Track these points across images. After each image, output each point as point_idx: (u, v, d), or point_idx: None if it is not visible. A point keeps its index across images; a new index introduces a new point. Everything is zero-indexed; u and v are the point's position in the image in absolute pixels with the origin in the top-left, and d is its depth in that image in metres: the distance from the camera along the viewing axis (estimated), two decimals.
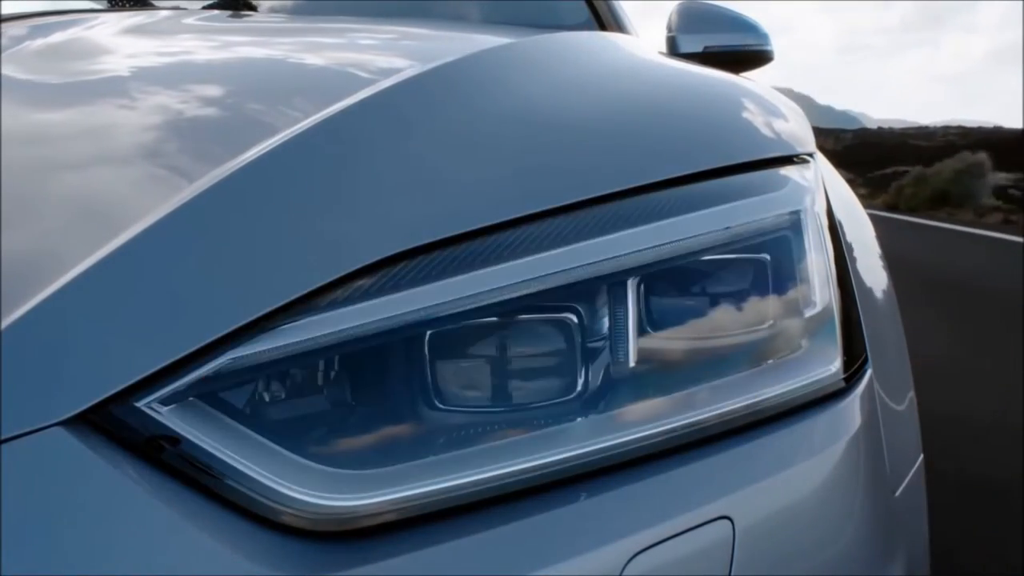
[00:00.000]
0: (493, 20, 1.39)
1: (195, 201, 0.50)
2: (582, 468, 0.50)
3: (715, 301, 0.57)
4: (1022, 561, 1.84)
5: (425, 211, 0.52)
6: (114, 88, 0.79)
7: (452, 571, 0.44)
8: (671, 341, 0.55)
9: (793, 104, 0.79)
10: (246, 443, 0.45)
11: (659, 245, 0.54)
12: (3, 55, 0.86)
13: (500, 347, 0.51)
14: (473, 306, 0.50)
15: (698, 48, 1.52)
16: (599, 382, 0.52)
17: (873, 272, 0.79)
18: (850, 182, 0.98)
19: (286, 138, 0.56)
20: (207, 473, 0.44)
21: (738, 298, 0.58)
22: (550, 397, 0.52)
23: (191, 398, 0.45)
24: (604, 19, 1.43)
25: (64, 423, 0.42)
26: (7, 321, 0.44)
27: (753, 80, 0.86)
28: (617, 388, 0.52)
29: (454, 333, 0.50)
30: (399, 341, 0.49)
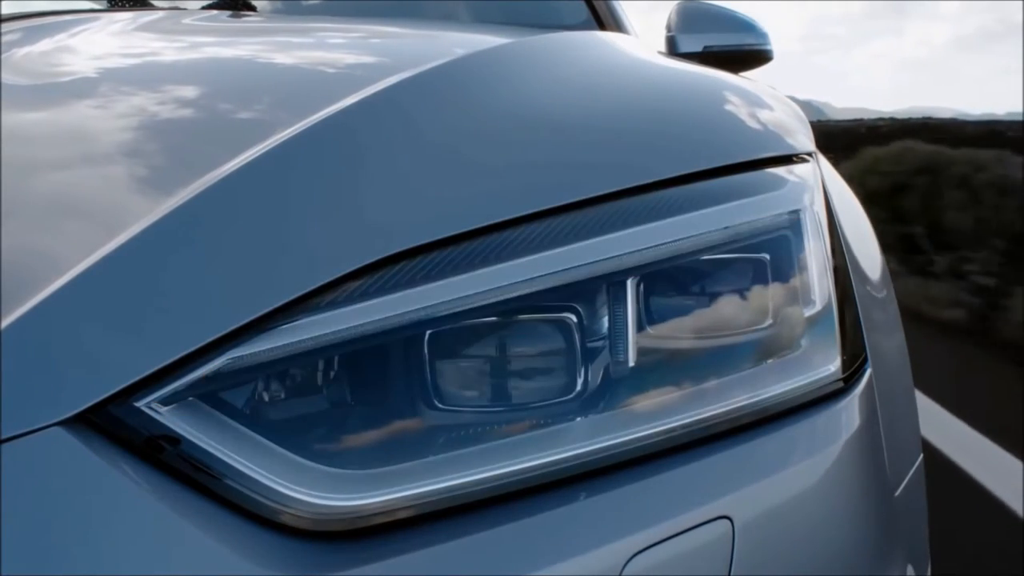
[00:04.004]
0: (492, 20, 1.39)
1: (195, 201, 0.50)
2: (582, 468, 0.50)
3: (714, 301, 0.57)
4: None
5: (425, 211, 0.52)
6: (114, 88, 0.79)
7: (452, 571, 0.44)
8: (670, 341, 0.55)
9: (793, 104, 0.79)
10: (246, 443, 0.45)
11: (659, 245, 0.54)
12: (3, 55, 0.86)
13: (500, 347, 0.51)
14: (473, 306, 0.50)
15: (697, 48, 1.52)
16: (599, 382, 0.52)
17: (873, 272, 0.79)
18: None
19: (286, 138, 0.56)
20: (207, 473, 0.44)
21: (737, 298, 0.58)
22: (550, 397, 0.52)
23: (191, 398, 0.45)
24: (603, 19, 1.43)
25: (64, 423, 0.42)
26: (7, 321, 0.44)
27: (753, 80, 0.86)
28: (617, 388, 0.52)
29: (454, 333, 0.50)
30: (399, 341, 0.49)
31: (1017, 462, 2.13)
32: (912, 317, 2.11)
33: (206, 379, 0.45)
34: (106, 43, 0.96)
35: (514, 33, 0.89)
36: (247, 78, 0.80)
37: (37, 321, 0.44)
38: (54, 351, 0.43)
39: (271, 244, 0.49)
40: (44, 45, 0.91)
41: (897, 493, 0.66)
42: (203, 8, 1.26)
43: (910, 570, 0.66)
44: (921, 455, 0.75)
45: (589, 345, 0.52)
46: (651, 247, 0.54)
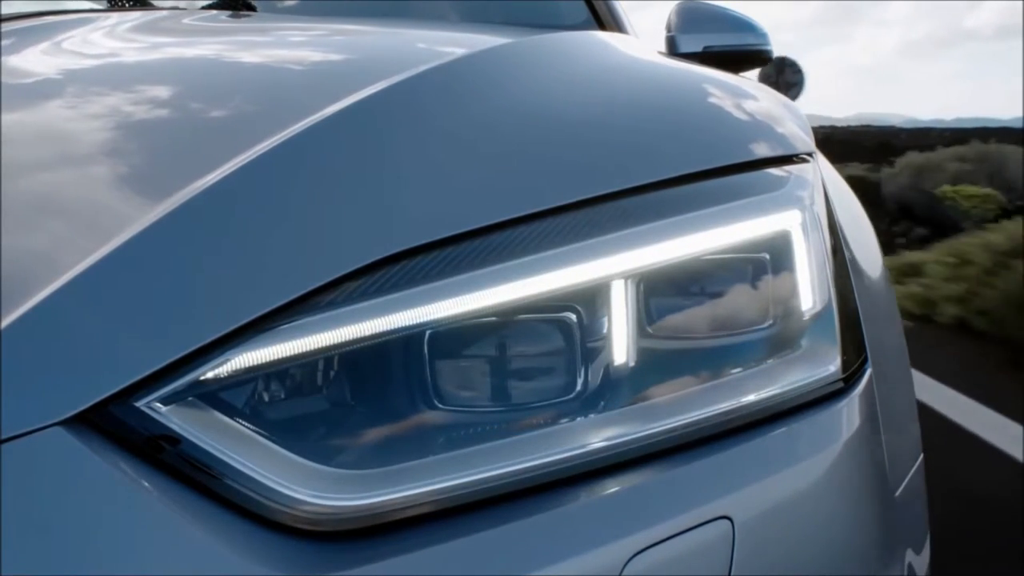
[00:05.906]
0: (492, 20, 1.39)
1: (195, 201, 0.50)
2: (582, 468, 0.50)
3: (714, 301, 0.57)
4: None
5: (425, 211, 0.52)
6: (114, 88, 0.79)
7: (452, 571, 0.44)
8: (670, 341, 0.55)
9: (793, 104, 0.79)
10: (246, 443, 0.45)
11: (658, 245, 0.54)
12: (2, 55, 0.86)
13: (500, 347, 0.51)
14: (473, 306, 0.50)
15: (697, 48, 1.52)
16: (599, 382, 0.52)
17: (873, 271, 0.79)
18: None
19: (285, 138, 0.56)
20: (207, 473, 0.44)
21: (737, 298, 0.58)
22: (550, 397, 0.52)
23: (191, 398, 0.45)
24: (603, 19, 1.43)
25: (64, 423, 0.42)
26: (7, 321, 0.44)
27: (752, 80, 0.86)
28: (617, 388, 0.52)
29: (454, 333, 0.50)
30: (399, 341, 0.49)
31: None
32: None
33: (206, 379, 0.45)
34: (105, 43, 0.96)
35: (514, 33, 0.88)
36: (248, 78, 0.80)
37: (37, 321, 0.44)
38: (54, 351, 0.43)
39: (271, 244, 0.49)
40: (43, 45, 0.91)
41: (897, 493, 0.66)
42: (203, 8, 1.26)
43: (910, 569, 0.66)
44: (921, 455, 0.75)
45: (589, 345, 0.52)
46: (651, 247, 0.54)
